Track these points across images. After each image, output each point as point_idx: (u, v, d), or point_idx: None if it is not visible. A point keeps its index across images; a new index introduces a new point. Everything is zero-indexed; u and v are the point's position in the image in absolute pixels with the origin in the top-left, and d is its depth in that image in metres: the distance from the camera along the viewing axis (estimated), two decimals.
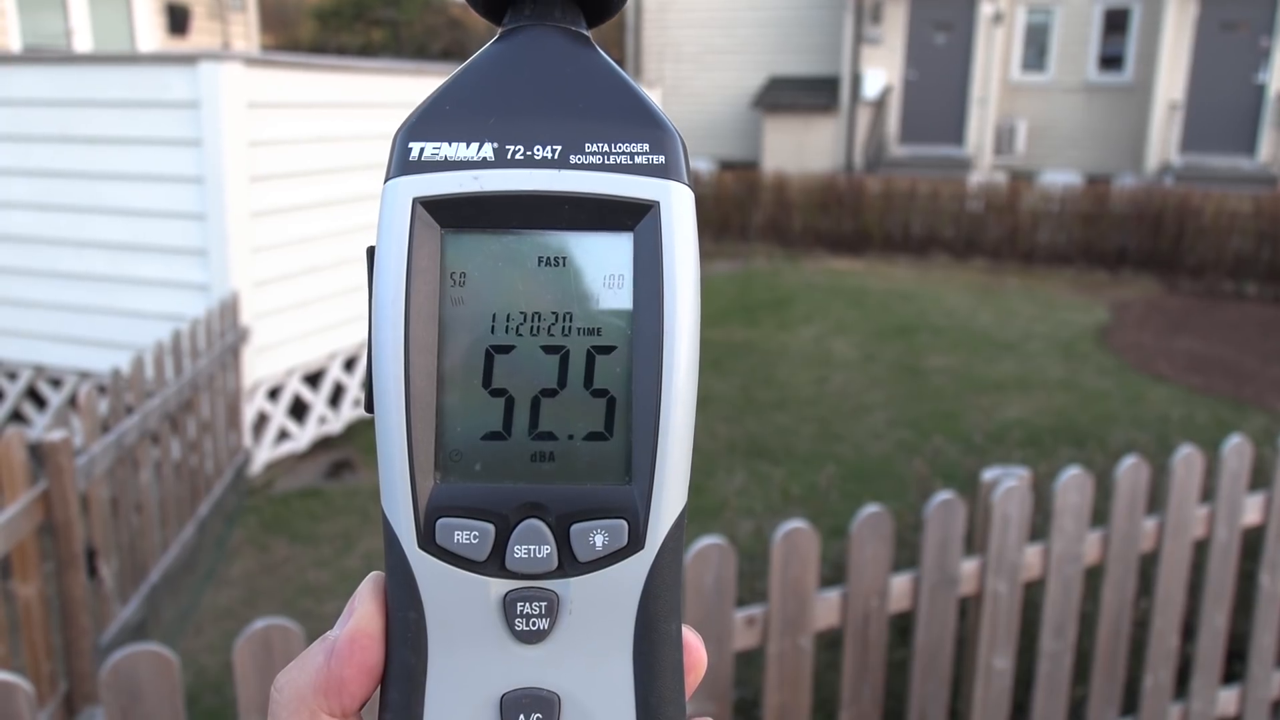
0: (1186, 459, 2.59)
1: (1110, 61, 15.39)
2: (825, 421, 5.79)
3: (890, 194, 11.43)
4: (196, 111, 4.27)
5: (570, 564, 0.35)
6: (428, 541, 0.35)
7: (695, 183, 7.97)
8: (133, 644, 1.50)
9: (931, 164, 14.89)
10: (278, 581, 4.01)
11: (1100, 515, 2.67)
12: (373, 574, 0.38)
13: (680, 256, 0.36)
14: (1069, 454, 4.69)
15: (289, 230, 4.87)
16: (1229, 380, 6.96)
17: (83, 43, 8.94)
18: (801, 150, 15.40)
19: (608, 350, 0.36)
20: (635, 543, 0.35)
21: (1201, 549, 2.76)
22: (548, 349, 0.36)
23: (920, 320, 8.27)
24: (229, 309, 4.36)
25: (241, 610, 3.78)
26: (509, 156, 0.36)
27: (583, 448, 0.36)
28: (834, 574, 2.93)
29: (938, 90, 15.41)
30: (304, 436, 5.23)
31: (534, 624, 0.35)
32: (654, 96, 8.42)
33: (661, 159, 0.36)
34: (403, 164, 0.36)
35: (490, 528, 0.35)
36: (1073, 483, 2.43)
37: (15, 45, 8.42)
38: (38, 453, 2.66)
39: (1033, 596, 2.60)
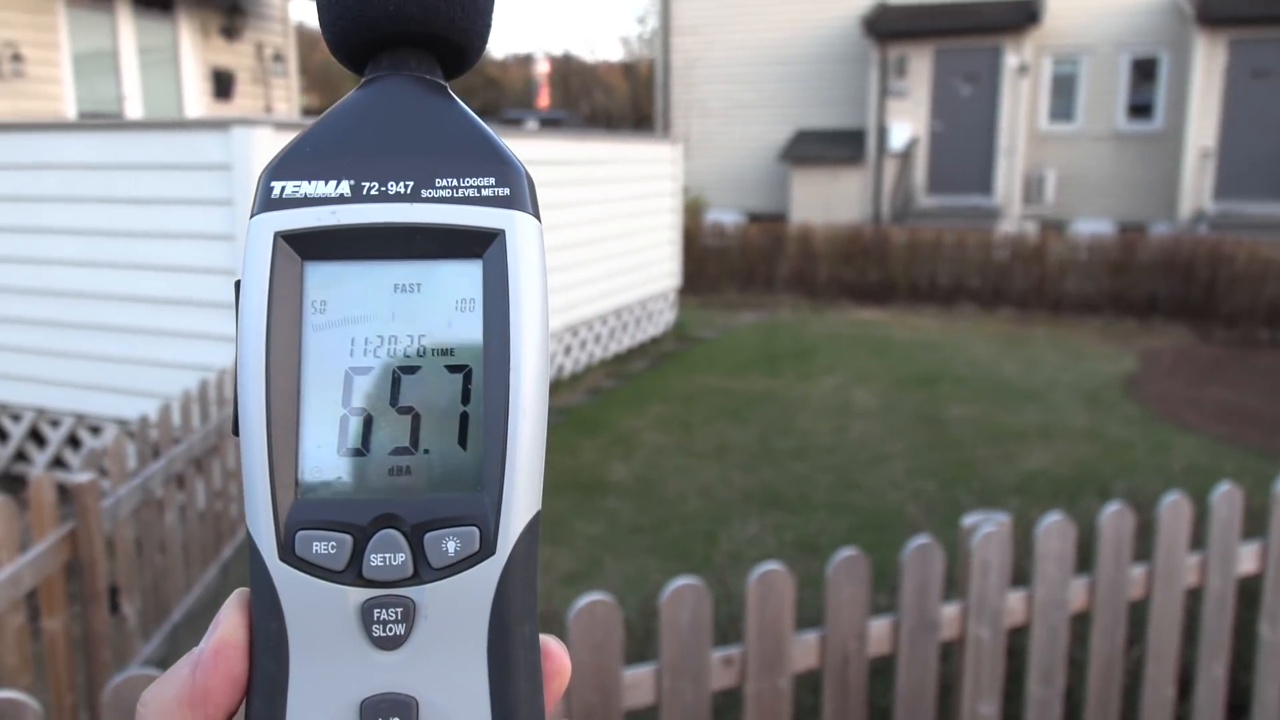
0: (1173, 506, 2.63)
1: (1139, 110, 15.43)
2: (843, 471, 5.83)
3: (916, 244, 11.49)
4: (229, 173, 4.50)
5: (425, 570, 0.36)
6: (288, 553, 0.36)
7: (720, 235, 8.05)
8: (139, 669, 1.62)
9: (960, 214, 14.95)
10: None
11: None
12: (239, 589, 0.39)
13: (525, 280, 0.38)
14: (1092, 504, 4.70)
15: None
16: (1258, 429, 6.89)
17: (134, 108, 9.37)
18: (829, 202, 15.55)
19: (460, 369, 0.38)
20: (486, 548, 0.37)
21: (1197, 597, 2.78)
22: (404, 369, 0.38)
23: (943, 370, 8.29)
24: None
25: None
26: (364, 192, 0.38)
27: (437, 461, 0.38)
28: None
29: (964, 141, 15.52)
30: None
31: (391, 630, 0.36)
32: (679, 151, 8.52)
33: (506, 191, 0.38)
34: (265, 201, 0.38)
35: (348, 538, 0.36)
36: (1054, 529, 2.48)
37: (71, 111, 8.85)
38: (67, 494, 2.81)
39: (1021, 643, 2.63)
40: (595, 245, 7.78)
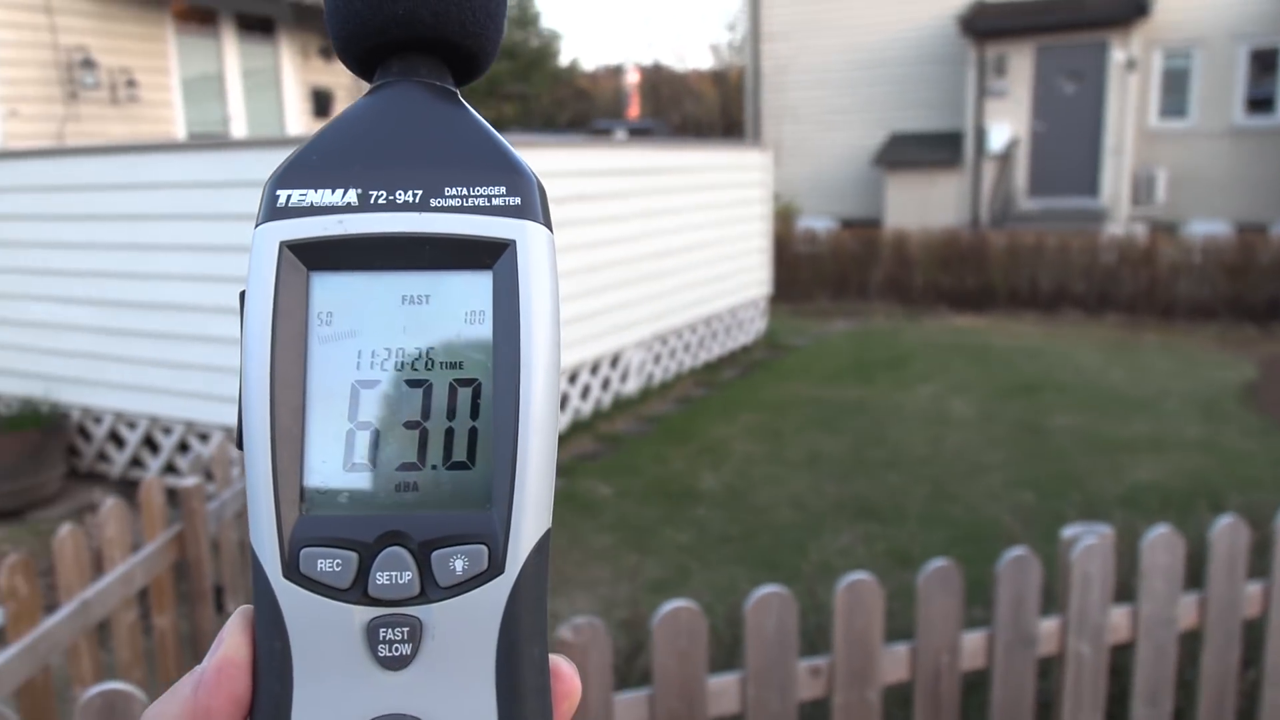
0: None
1: (1259, 104, 14.69)
2: (939, 482, 5.69)
3: (1016, 248, 11.16)
4: None
5: (432, 589, 0.36)
6: (292, 570, 0.35)
7: (812, 241, 7.95)
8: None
9: (1064, 216, 14.47)
10: None
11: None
12: (242, 607, 0.38)
13: (537, 292, 0.37)
14: (1205, 519, 4.47)
15: None
16: None
17: (239, 128, 9.81)
18: (925, 206, 15.23)
19: (469, 383, 0.37)
20: (495, 567, 0.36)
21: None
22: (412, 383, 0.37)
23: (1046, 378, 8.02)
24: None
25: None
26: (372, 201, 0.37)
27: (445, 477, 0.37)
28: None
29: (1068, 141, 15.02)
30: None
31: (397, 650, 0.36)
32: (769, 157, 8.48)
33: (518, 200, 0.37)
34: (270, 210, 0.38)
35: (353, 555, 0.35)
36: (1161, 541, 2.37)
37: (181, 132, 9.30)
38: (176, 498, 2.94)
39: (1124, 661, 2.52)
40: (685, 253, 7.78)
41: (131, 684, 2.05)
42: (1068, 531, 2.39)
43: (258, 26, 10.14)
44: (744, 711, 2.02)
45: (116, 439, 5.79)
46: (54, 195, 5.61)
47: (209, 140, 7.60)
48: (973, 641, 2.24)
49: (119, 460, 5.71)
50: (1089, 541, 2.31)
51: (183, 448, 5.58)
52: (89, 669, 2.51)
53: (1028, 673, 2.29)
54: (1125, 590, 2.59)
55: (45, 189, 5.65)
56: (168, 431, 5.55)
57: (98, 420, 5.76)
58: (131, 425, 5.66)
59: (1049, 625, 2.31)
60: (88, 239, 5.51)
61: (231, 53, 9.85)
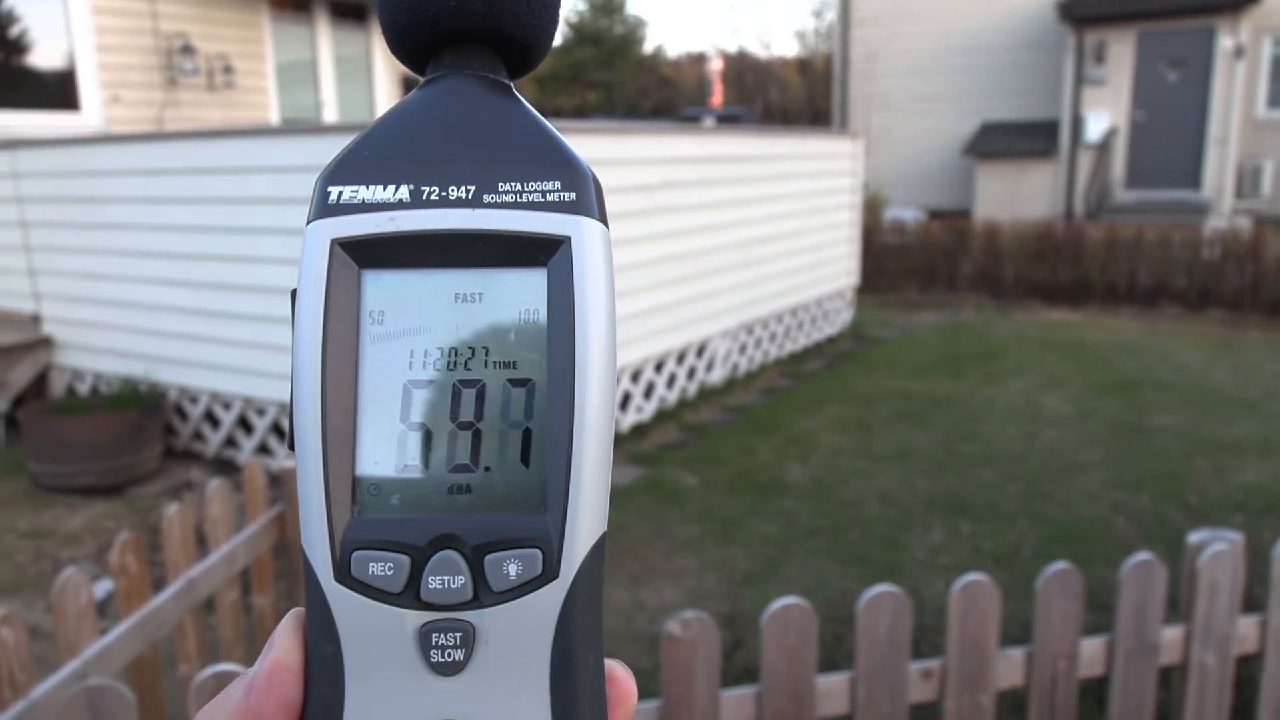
0: None
1: None
2: (1033, 480, 5.51)
3: (1113, 241, 10.78)
4: None
5: (485, 594, 0.35)
6: (343, 574, 0.35)
7: (900, 232, 7.77)
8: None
9: (1163, 209, 13.93)
10: None
11: None
12: (294, 610, 0.38)
13: (592, 289, 0.36)
14: None
15: None
16: None
17: (330, 114, 9.98)
18: (1016, 197, 14.82)
19: (523, 383, 0.36)
20: (549, 572, 0.35)
21: None
22: (465, 383, 0.37)
23: (1145, 375, 7.73)
24: None
25: None
26: (424, 197, 0.37)
27: (499, 479, 0.36)
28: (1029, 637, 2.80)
29: (1169, 131, 14.45)
30: None
31: (450, 655, 0.35)
32: (859, 146, 8.28)
33: (573, 196, 0.37)
34: (322, 207, 0.37)
35: (405, 559, 0.35)
36: None
37: (275, 118, 9.51)
38: (277, 479, 2.98)
39: (1250, 673, 2.39)
40: (772, 243, 7.68)
41: (235, 663, 2.07)
42: (1194, 537, 2.27)
43: (351, 14, 10.31)
44: (853, 712, 1.95)
45: (212, 419, 5.94)
46: (154, 179, 5.77)
47: (304, 125, 7.74)
48: (1092, 648, 2.14)
49: (214, 440, 5.86)
50: (1217, 548, 2.19)
51: (276, 430, 5.70)
52: (194, 646, 2.55)
53: (1149, 682, 2.18)
54: (1248, 599, 2.46)
55: (146, 173, 5.81)
56: (261, 412, 5.67)
57: (194, 400, 5.92)
58: (226, 406, 5.80)
59: (1172, 634, 2.20)
60: (186, 222, 5.65)
61: (325, 40, 10.03)
